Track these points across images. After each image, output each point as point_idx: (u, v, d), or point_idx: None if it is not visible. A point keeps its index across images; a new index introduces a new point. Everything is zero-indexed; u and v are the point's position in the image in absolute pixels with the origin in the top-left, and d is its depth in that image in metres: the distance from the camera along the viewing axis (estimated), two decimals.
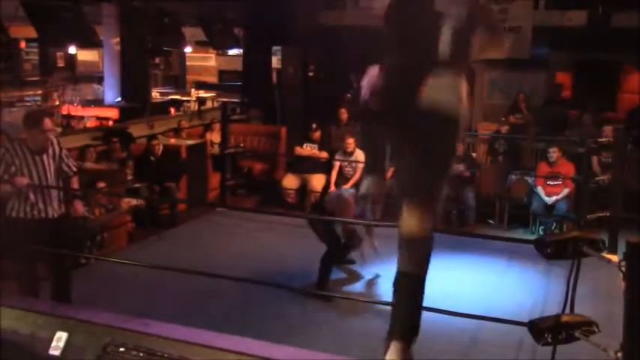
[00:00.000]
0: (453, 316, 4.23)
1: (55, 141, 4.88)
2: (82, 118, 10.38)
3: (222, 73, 16.38)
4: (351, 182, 8.91)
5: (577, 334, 2.61)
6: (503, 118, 10.60)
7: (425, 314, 5.02)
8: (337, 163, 9.00)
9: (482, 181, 8.88)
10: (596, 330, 2.65)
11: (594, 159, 8.45)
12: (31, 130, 4.72)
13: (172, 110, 12.19)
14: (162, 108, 12.11)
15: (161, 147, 8.35)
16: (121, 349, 3.25)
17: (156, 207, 8.11)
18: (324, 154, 9.10)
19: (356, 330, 5.07)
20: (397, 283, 2.96)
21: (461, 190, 8.45)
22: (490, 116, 11.42)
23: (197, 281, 5.88)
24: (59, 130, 9.48)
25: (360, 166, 8.94)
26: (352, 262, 6.21)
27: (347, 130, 9.63)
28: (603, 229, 6.39)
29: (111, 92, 10.83)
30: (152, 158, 8.25)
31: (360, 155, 8.98)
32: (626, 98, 12.08)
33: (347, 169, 9.00)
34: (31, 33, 8.88)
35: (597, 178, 7.29)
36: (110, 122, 10.24)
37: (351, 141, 8.87)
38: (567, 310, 2.69)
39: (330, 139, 9.83)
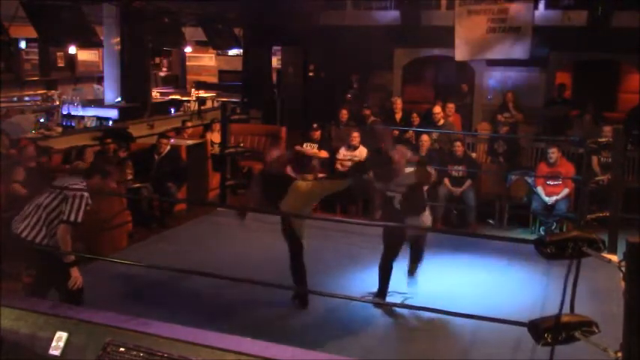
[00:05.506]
0: (453, 316, 4.23)
1: None
2: (82, 118, 10.36)
3: (222, 73, 16.36)
4: None
5: (577, 334, 2.61)
6: (491, 119, 10.61)
7: (425, 314, 5.03)
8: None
9: (482, 181, 8.87)
10: (596, 330, 2.65)
11: (594, 159, 8.44)
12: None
13: (172, 110, 12.19)
14: (163, 108, 12.09)
15: (168, 147, 8.30)
16: (121, 349, 3.25)
17: (155, 207, 8.08)
18: (324, 154, 9.10)
19: (356, 330, 5.07)
20: None
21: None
22: (490, 116, 11.42)
23: (197, 281, 5.89)
24: (59, 130, 9.47)
25: None
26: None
27: (350, 127, 9.70)
28: (603, 229, 6.39)
29: (111, 92, 10.82)
30: (156, 156, 8.19)
31: (363, 152, 8.99)
32: (626, 98, 12.08)
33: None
34: (31, 33, 8.84)
35: (597, 178, 7.28)
36: (110, 122, 10.23)
37: (356, 135, 9.05)
38: (567, 310, 2.69)
39: (330, 139, 9.84)
